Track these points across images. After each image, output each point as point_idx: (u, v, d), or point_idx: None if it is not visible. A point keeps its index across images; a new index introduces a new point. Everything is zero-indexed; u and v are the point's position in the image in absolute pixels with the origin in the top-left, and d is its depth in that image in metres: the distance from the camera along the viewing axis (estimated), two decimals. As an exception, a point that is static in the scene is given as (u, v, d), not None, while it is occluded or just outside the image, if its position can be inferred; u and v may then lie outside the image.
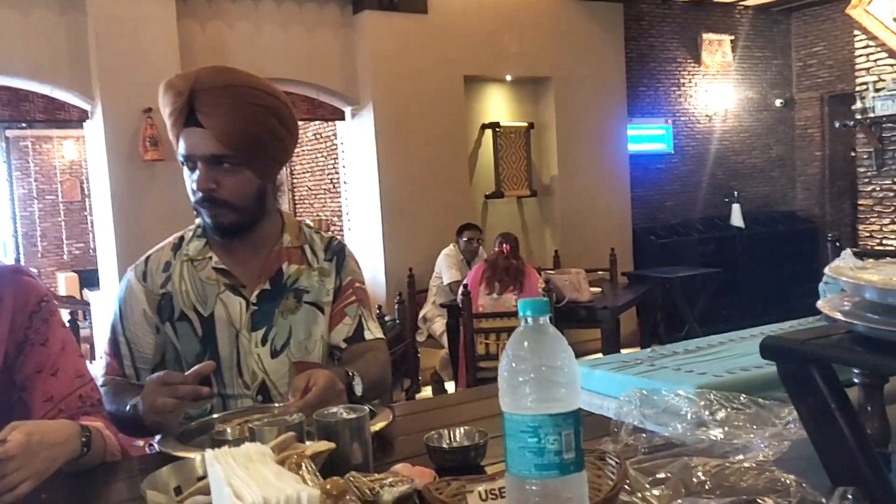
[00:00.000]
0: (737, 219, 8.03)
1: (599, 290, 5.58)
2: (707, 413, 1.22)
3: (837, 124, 7.64)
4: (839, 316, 0.92)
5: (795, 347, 0.93)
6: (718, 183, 8.42)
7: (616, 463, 0.98)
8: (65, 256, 11.01)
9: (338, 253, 1.74)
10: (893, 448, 1.05)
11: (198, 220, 1.67)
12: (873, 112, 6.94)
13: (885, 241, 7.20)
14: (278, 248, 1.68)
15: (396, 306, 5.33)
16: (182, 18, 5.40)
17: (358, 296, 1.73)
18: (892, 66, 6.88)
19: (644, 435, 1.20)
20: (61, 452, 1.21)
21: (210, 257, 1.64)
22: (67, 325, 1.51)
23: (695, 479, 0.99)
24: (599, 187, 7.17)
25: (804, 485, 0.93)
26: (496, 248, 5.28)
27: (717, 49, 8.34)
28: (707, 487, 0.98)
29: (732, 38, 8.44)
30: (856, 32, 7.20)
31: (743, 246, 8.03)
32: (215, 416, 1.50)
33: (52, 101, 5.40)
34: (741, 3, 8.29)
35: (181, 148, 1.56)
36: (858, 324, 0.88)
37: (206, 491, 0.95)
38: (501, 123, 6.86)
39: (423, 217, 6.20)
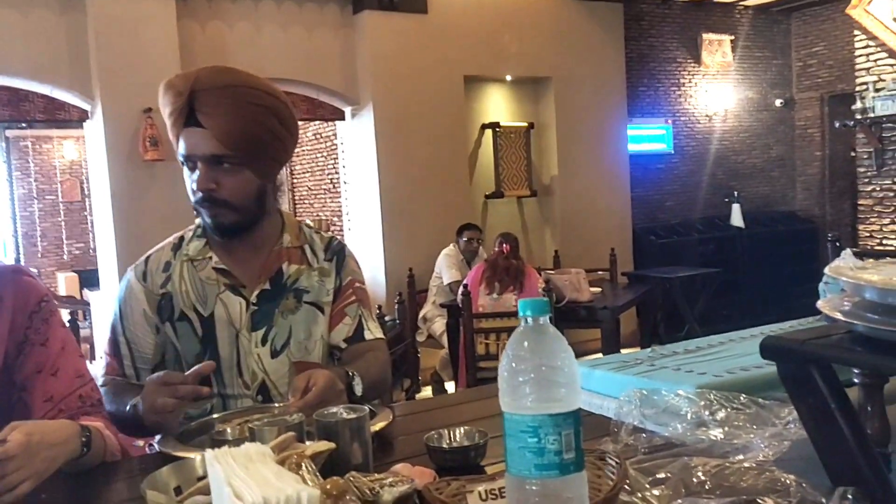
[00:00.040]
0: (737, 219, 8.03)
1: (599, 290, 5.58)
2: (707, 413, 1.22)
3: (837, 124, 7.64)
4: (839, 316, 0.92)
5: (795, 347, 0.93)
6: (718, 183, 8.41)
7: (616, 463, 0.98)
8: (65, 256, 11.01)
9: (338, 253, 1.74)
10: (893, 448, 1.05)
11: (198, 220, 1.67)
12: (873, 112, 6.94)
13: (885, 241, 7.19)
14: (278, 248, 1.68)
15: (396, 306, 5.32)
16: (182, 18, 5.40)
17: (358, 296, 1.73)
18: (892, 66, 6.88)
19: (644, 435, 1.20)
20: (61, 452, 1.21)
21: (210, 257, 1.64)
22: (67, 325, 1.51)
23: (695, 479, 0.99)
24: (599, 187, 7.17)
25: (804, 485, 0.93)
26: (496, 248, 5.27)
27: (717, 49, 8.34)
28: (707, 487, 0.98)
29: (732, 38, 8.43)
30: (856, 32, 7.20)
31: (743, 246, 8.02)
32: (215, 416, 1.50)
33: (52, 101, 5.40)
34: (741, 3, 8.29)
35: (181, 148, 1.56)
36: (858, 324, 0.88)
37: (206, 491, 0.95)
38: (501, 123, 6.86)
39: (423, 217, 6.20)
